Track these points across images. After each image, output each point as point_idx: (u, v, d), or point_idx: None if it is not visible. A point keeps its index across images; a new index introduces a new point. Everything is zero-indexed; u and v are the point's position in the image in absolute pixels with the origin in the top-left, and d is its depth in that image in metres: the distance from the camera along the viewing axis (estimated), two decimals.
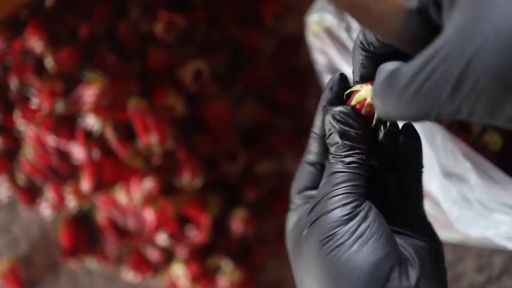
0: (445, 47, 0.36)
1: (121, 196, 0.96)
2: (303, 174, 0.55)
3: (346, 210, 0.47)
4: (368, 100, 0.49)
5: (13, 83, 1.01)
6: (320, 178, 0.52)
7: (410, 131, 0.51)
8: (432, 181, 0.62)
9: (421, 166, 0.52)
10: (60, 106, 0.94)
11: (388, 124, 0.50)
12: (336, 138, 0.49)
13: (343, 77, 0.51)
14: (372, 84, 0.47)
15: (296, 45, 1.03)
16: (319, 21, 0.75)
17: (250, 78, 1.00)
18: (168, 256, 1.05)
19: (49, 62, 0.99)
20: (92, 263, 1.10)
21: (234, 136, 0.97)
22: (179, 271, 1.00)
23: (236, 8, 1.02)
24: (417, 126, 0.55)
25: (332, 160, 0.49)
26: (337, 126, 0.49)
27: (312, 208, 0.49)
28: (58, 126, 0.99)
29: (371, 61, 0.47)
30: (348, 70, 0.72)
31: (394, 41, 0.42)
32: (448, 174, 0.63)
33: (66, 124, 0.99)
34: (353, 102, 0.49)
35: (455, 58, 0.35)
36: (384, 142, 0.51)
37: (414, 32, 0.41)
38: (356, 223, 0.46)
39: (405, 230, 0.50)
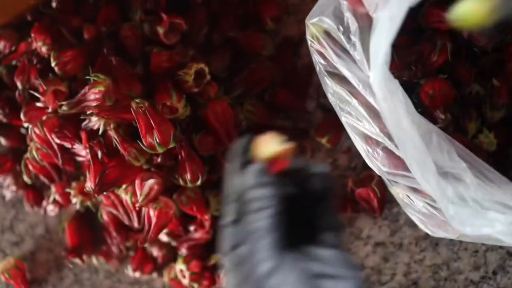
0: None
1: (124, 195, 0.97)
2: (226, 236, 0.57)
3: (267, 267, 0.50)
4: (272, 155, 0.55)
5: (19, 84, 1.02)
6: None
7: (319, 175, 0.57)
8: (428, 180, 0.63)
9: (331, 207, 0.58)
10: (64, 107, 0.95)
11: (296, 173, 0.56)
12: (255, 193, 0.53)
13: (248, 139, 0.58)
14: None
15: (296, 46, 1.04)
16: (318, 24, 0.75)
17: (251, 78, 1.00)
18: (171, 254, 1.06)
19: (53, 64, 0.99)
20: (96, 261, 1.11)
21: (234, 136, 0.97)
22: (181, 268, 1.01)
23: (236, 10, 1.02)
24: (414, 127, 0.56)
25: (250, 218, 0.53)
26: (254, 181, 0.53)
27: (239, 269, 0.52)
28: (62, 126, 1.00)
29: None
30: (346, 72, 0.73)
31: None
32: (444, 174, 0.64)
33: (71, 125, 1.00)
34: (262, 160, 0.55)
35: None
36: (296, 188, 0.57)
37: None
38: (277, 280, 0.50)
39: (326, 269, 0.54)
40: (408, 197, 0.80)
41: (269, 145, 0.55)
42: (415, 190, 0.76)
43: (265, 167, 0.54)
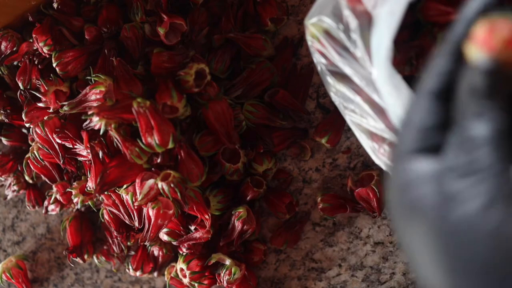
0: None
1: (125, 194, 0.97)
2: (423, 107, 0.43)
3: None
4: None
5: (20, 84, 1.03)
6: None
7: None
8: None
9: None
10: (66, 107, 0.95)
11: None
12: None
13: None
14: None
15: (295, 47, 1.04)
16: (318, 24, 0.75)
17: (251, 79, 1.01)
18: (171, 253, 1.07)
19: (55, 64, 1.00)
20: (97, 260, 1.11)
21: (234, 136, 0.98)
22: (181, 268, 1.01)
23: (236, 11, 1.03)
24: None
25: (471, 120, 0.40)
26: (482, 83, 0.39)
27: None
28: (64, 126, 1.00)
29: None
30: (348, 70, 0.73)
31: None
32: None
33: (72, 125, 1.00)
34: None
35: None
36: None
37: None
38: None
39: None
40: None
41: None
42: None
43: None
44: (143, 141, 0.92)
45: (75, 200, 1.05)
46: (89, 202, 1.06)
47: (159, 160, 0.97)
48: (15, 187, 1.12)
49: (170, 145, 0.93)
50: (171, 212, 0.95)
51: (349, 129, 0.99)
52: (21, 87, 1.03)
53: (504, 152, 0.38)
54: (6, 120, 1.08)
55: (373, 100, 0.70)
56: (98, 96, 0.93)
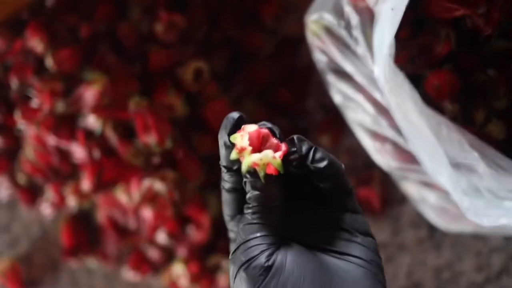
0: None
1: (121, 195, 0.97)
2: (227, 201, 0.56)
3: (262, 260, 0.48)
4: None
5: (14, 83, 1.02)
6: (243, 202, 0.53)
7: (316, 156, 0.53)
8: (441, 173, 0.62)
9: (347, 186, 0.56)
10: (60, 106, 0.95)
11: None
12: (248, 188, 0.51)
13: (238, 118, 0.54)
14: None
15: (295, 45, 1.03)
16: (318, 21, 0.75)
17: (250, 78, 1.01)
18: (168, 255, 1.06)
19: (49, 62, 0.99)
20: (92, 262, 1.10)
21: None
22: (179, 270, 1.01)
23: (235, 9, 1.02)
24: (422, 119, 0.55)
25: (244, 211, 0.52)
26: (249, 178, 0.51)
27: (234, 254, 0.51)
28: (58, 125, 1.00)
29: None
30: (349, 68, 0.72)
31: None
32: (456, 165, 0.64)
33: (67, 124, 1.00)
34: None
35: None
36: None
37: None
38: (274, 274, 0.48)
39: (339, 248, 0.53)
40: (420, 192, 0.79)
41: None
42: (427, 184, 0.76)
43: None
44: (141, 140, 0.92)
45: (70, 200, 1.04)
46: (84, 203, 1.05)
47: (156, 160, 0.96)
48: (9, 188, 1.12)
49: (168, 145, 0.92)
50: (168, 213, 0.94)
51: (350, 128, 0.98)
52: (15, 86, 1.02)
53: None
54: None
55: (375, 99, 0.70)
56: (93, 95, 0.93)
